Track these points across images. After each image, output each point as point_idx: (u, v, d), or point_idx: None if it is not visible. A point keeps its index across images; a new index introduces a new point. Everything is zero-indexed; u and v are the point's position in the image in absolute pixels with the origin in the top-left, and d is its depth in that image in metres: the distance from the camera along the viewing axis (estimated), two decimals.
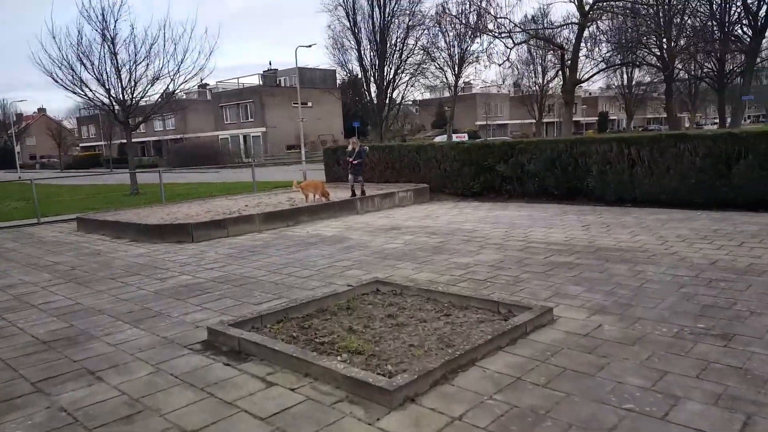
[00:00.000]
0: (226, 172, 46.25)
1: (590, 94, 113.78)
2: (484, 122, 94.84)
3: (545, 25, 29.22)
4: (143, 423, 4.70)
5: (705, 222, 12.70)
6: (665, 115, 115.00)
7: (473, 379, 5.14)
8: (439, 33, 52.54)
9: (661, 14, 37.82)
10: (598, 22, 30.51)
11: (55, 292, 9.32)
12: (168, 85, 29.09)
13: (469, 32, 46.00)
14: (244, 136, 74.47)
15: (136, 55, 27.87)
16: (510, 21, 29.35)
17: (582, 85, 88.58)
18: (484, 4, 30.37)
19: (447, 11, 39.26)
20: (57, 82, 27.12)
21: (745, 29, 37.44)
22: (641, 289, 7.64)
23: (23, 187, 38.82)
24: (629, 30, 35.12)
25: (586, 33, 29.56)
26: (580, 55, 29.72)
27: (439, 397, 4.82)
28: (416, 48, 52.07)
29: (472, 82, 66.23)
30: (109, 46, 27.64)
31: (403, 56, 51.81)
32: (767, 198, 13.65)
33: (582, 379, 5.04)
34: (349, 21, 51.41)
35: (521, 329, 6.05)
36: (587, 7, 27.86)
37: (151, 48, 27.96)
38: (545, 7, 31.36)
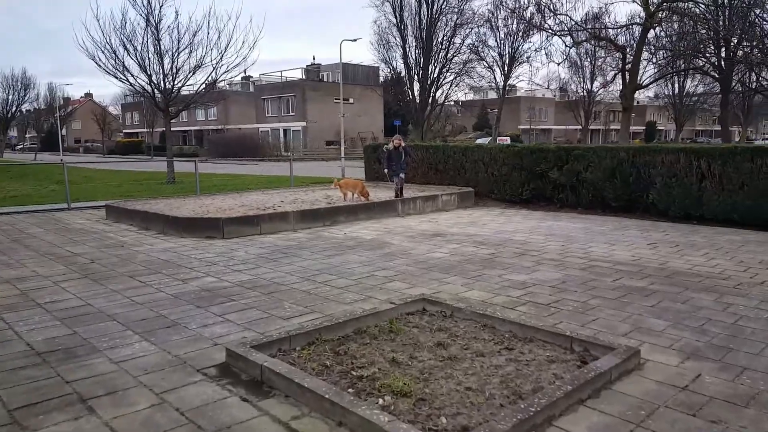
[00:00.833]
0: (265, 165, 45.58)
1: (638, 102, 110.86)
2: (528, 126, 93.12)
3: (606, 24, 27.81)
4: None
5: None
6: (715, 128, 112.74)
7: None
8: (489, 30, 51.29)
9: (721, 21, 36.13)
10: (664, 24, 29.01)
11: (66, 289, 8.42)
12: (210, 74, 28.37)
13: (525, 28, 44.81)
14: (285, 130, 74.01)
15: (179, 41, 27.26)
16: (570, 18, 28.06)
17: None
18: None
19: (504, 4, 37.85)
20: (99, 66, 26.67)
21: None
22: (737, 327, 6.46)
23: (69, 170, 38.76)
24: (687, 36, 33.56)
25: (650, 34, 28.17)
26: (642, 58, 28.29)
27: None
28: (462, 47, 50.96)
29: (520, 83, 64.26)
30: (152, 32, 27.11)
31: (449, 55, 50.72)
32: None
33: None
34: (396, 17, 50.45)
35: (605, 377, 4.93)
36: (653, 7, 26.42)
37: (195, 35, 27.33)
38: (606, 5, 29.63)
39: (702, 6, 30.03)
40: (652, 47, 30.12)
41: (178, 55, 27.45)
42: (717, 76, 40.41)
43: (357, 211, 15.63)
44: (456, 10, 49.49)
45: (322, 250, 11.32)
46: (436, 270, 9.39)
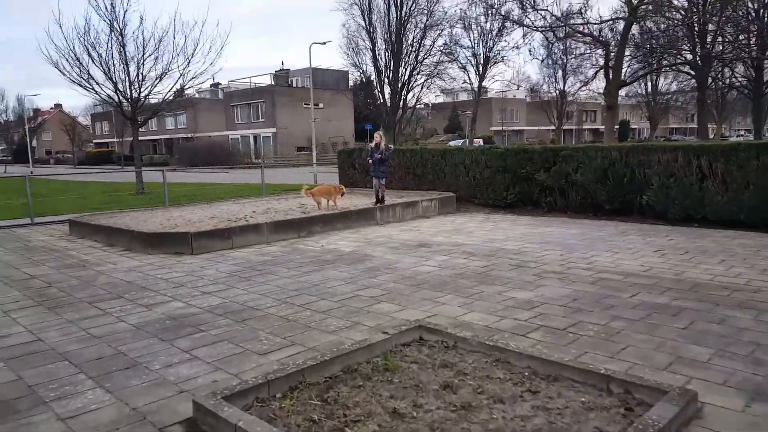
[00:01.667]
0: (236, 173, 44.35)
1: None
2: (500, 128, 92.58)
3: (589, 19, 26.93)
4: None
5: None
6: (689, 125, 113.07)
7: None
8: (462, 30, 50.53)
9: (695, 17, 35.56)
10: (646, 19, 28.22)
11: (17, 321, 7.31)
12: (177, 81, 27.25)
13: (501, 26, 44.10)
14: (255, 137, 72.71)
15: (144, 48, 26.14)
16: (551, 13, 27.12)
17: (590, 93, 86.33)
18: None
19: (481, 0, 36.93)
20: (63, 74, 25.59)
21: None
22: None
23: (33, 182, 37.38)
24: (665, 32, 32.91)
25: (633, 30, 27.34)
26: (624, 55, 27.42)
27: None
28: (433, 48, 50.06)
29: (494, 84, 63.53)
30: (117, 38, 26.06)
31: (420, 57, 49.79)
32: None
33: None
34: (365, 20, 49.37)
35: None
36: (636, 1, 25.59)
37: (160, 41, 26.24)
38: (586, 1, 28.79)
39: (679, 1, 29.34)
40: (634, 44, 29.33)
41: (143, 62, 26.44)
42: (693, 72, 39.93)
43: (333, 220, 14.55)
44: (425, 11, 48.64)
45: (299, 265, 10.24)
46: (426, 287, 8.35)
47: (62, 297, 8.48)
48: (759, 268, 9.04)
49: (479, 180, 17.78)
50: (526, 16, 28.73)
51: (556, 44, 29.17)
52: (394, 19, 48.04)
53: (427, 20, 48.25)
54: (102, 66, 25.85)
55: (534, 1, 27.83)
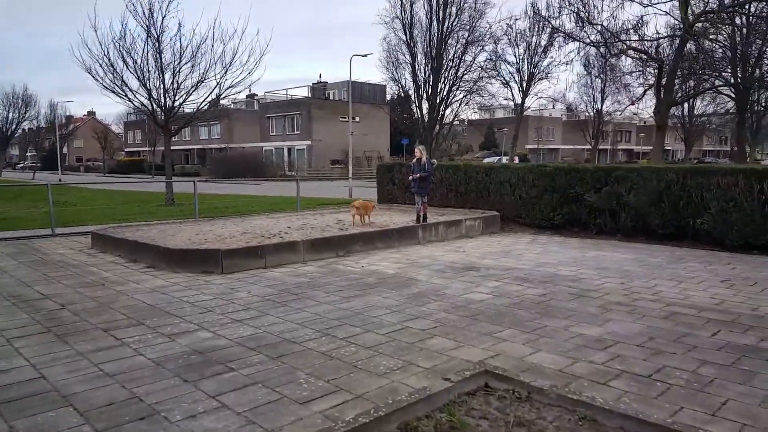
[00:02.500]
0: (269, 185, 43.86)
1: (645, 122, 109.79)
2: (536, 146, 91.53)
3: (644, 35, 26.00)
4: None
5: None
6: (723, 148, 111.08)
7: None
8: (508, 45, 49.99)
9: (737, 38, 34.56)
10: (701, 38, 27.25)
11: (20, 351, 6.52)
12: (213, 90, 26.75)
13: (551, 39, 43.44)
14: (289, 149, 72.45)
15: (181, 55, 25.65)
16: (606, 28, 26.19)
17: (636, 112, 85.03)
18: (582, 7, 27.18)
19: (537, 12, 36.20)
20: (96, 80, 25.06)
21: None
22: None
23: (60, 190, 37.17)
24: (707, 54, 31.97)
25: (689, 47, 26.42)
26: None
27: None
28: (474, 64, 49.38)
29: (538, 101, 62.20)
30: (153, 44, 25.52)
31: (459, 72, 49.15)
32: None
33: None
34: (406, 34, 48.91)
35: None
36: (692, 18, 24.65)
37: (198, 48, 25.70)
38: (642, 17, 27.81)
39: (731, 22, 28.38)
40: (688, 63, 28.34)
41: (179, 70, 25.91)
42: (734, 95, 38.85)
43: (373, 239, 13.87)
44: (468, 27, 48.03)
45: (339, 289, 9.55)
46: (482, 319, 7.61)
47: (75, 322, 7.74)
48: None
49: (525, 199, 17.00)
50: (583, 29, 27.90)
51: (608, 60, 28.10)
52: (436, 34, 47.50)
53: (468, 36, 47.63)
54: (136, 72, 25.32)
55: (590, 15, 27.02)
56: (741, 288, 9.42)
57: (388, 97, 72.52)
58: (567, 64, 49.09)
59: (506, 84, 53.09)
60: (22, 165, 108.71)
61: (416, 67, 49.38)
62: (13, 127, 75.67)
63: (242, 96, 74.05)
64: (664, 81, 25.91)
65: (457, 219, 16.04)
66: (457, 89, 50.13)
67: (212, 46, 26.93)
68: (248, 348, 6.57)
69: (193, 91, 26.47)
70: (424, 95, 49.94)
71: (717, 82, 32.40)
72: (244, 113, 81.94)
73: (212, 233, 14.30)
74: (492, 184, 17.91)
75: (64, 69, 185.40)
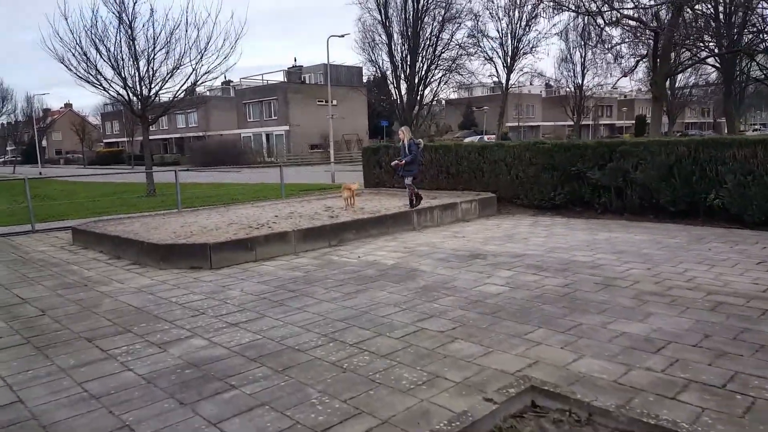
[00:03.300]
0: (249, 172, 42.76)
1: (625, 96, 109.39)
2: (516, 123, 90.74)
3: (639, 2, 25.01)
4: None
5: None
6: (707, 120, 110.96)
7: None
8: (490, 20, 49.40)
9: (720, 8, 33.82)
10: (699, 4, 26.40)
11: None
12: (189, 77, 25.71)
13: (536, 12, 42.74)
14: (267, 135, 71.18)
15: (155, 41, 24.63)
16: None
17: (618, 86, 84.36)
18: None
19: None
20: (70, 70, 24.05)
21: None
22: None
23: (40, 183, 36.09)
24: (691, 24, 31.20)
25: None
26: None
27: None
28: (452, 42, 48.42)
29: (523, 77, 61.22)
30: (126, 31, 24.50)
31: (437, 51, 48.14)
32: None
33: None
34: (381, 13, 47.94)
35: None
36: None
37: (172, 34, 24.70)
38: None
39: None
40: (684, 30, 27.46)
41: (154, 56, 24.94)
42: (719, 65, 38.17)
43: (367, 226, 12.93)
44: (443, 3, 47.05)
45: (339, 284, 8.62)
46: (505, 317, 6.70)
47: (56, 331, 6.86)
48: None
49: (522, 179, 16.08)
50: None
51: (603, 29, 27.16)
52: (411, 12, 46.51)
53: (445, 13, 46.63)
54: (110, 61, 24.47)
55: None
56: None
57: (365, 79, 71.32)
58: (557, 35, 48.40)
59: (489, 60, 52.19)
60: (3, 159, 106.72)
61: (393, 47, 48.52)
62: None
63: (218, 83, 72.66)
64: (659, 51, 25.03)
65: (453, 202, 15.12)
66: (436, 68, 49.31)
67: (186, 31, 26.00)
68: (249, 359, 5.66)
69: (168, 79, 25.71)
70: (402, 75, 49.00)
71: (714, 51, 31.58)
72: (221, 100, 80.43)
73: (197, 225, 13.37)
74: (486, 164, 16.97)
75: (38, 62, 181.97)
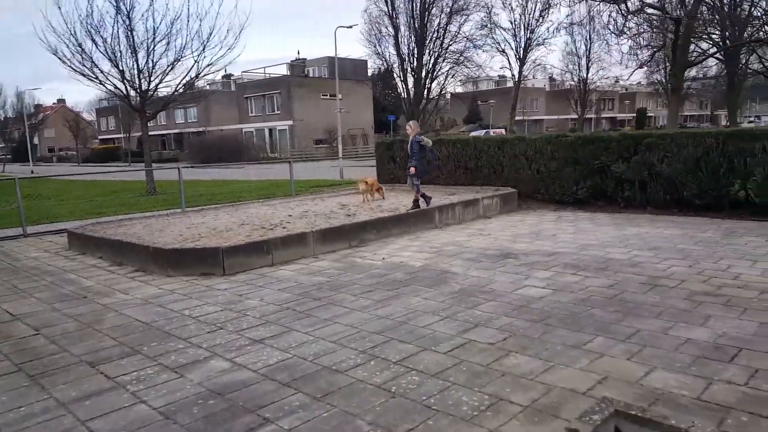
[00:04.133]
0: (253, 169, 42.14)
1: (626, 89, 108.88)
2: (521, 117, 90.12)
3: None
4: None
5: None
6: (705, 112, 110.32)
7: None
8: (503, 10, 49.07)
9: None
10: None
11: None
12: (191, 69, 25.03)
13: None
14: (270, 130, 70.53)
15: (155, 31, 23.92)
16: None
17: (619, 80, 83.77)
18: None
19: None
20: (64, 62, 23.24)
21: None
22: None
23: (32, 183, 35.34)
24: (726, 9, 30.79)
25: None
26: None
27: None
28: (459, 34, 47.90)
29: (538, 66, 60.60)
30: (124, 21, 23.74)
31: (445, 44, 47.63)
32: None
33: None
34: (387, 5, 47.36)
35: None
36: None
37: (173, 24, 24.03)
38: None
39: None
40: (703, 20, 26.94)
41: (154, 48, 24.17)
42: (722, 58, 37.72)
43: (387, 225, 12.48)
44: None
45: (367, 290, 8.16)
46: (556, 324, 6.26)
47: (53, 354, 6.14)
48: None
49: (544, 173, 15.66)
50: None
51: (628, 18, 26.51)
52: (418, 4, 45.90)
53: (453, 4, 46.08)
54: (107, 53, 23.57)
55: None
56: None
57: (370, 72, 70.77)
58: (579, 24, 47.97)
59: (502, 51, 51.74)
60: None
61: (400, 39, 47.92)
62: None
63: (218, 77, 72.12)
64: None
65: (474, 198, 14.67)
66: (443, 61, 48.76)
67: (188, 21, 25.41)
68: (281, 384, 5.13)
69: (169, 71, 24.82)
70: (409, 69, 48.45)
71: (719, 44, 31.08)
72: (221, 94, 79.71)
73: (205, 226, 12.87)
74: (506, 158, 16.53)
75: (30, 57, 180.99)
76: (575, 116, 77.11)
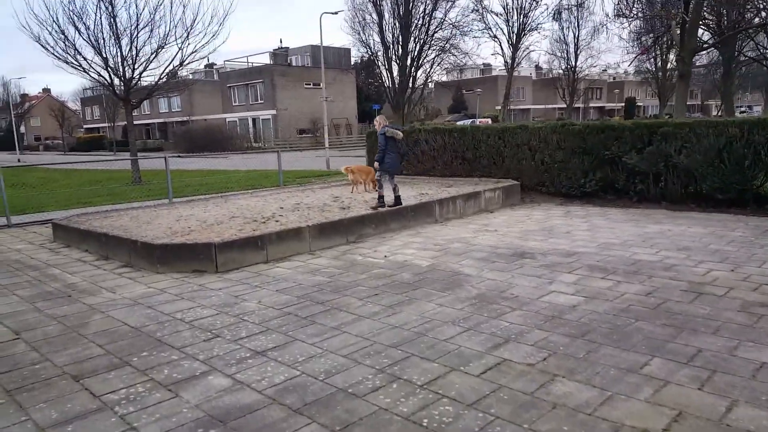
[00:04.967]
0: (237, 158, 41.13)
1: (614, 78, 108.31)
2: (507, 106, 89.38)
3: None
4: None
5: None
6: (695, 102, 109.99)
7: None
8: None
9: None
10: None
11: None
12: (175, 56, 24.10)
13: None
14: (254, 119, 69.23)
15: (138, 18, 22.99)
16: None
17: (607, 68, 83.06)
18: None
19: None
20: (47, 49, 22.32)
21: None
22: None
23: (18, 172, 34.31)
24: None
25: None
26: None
27: None
28: (445, 21, 46.97)
29: (532, 52, 60.19)
30: (106, 7, 22.81)
31: (430, 30, 46.64)
32: None
33: None
34: None
35: None
36: None
37: (156, 10, 23.12)
38: None
39: None
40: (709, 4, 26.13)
41: (137, 34, 23.25)
42: (718, 45, 37.00)
43: (386, 219, 11.59)
44: None
45: (373, 292, 7.28)
46: (600, 340, 5.40)
47: (34, 364, 5.38)
48: None
49: (549, 164, 14.79)
50: None
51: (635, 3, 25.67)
52: None
53: None
54: (90, 40, 22.69)
55: None
56: None
57: (353, 61, 69.65)
58: (578, 6, 47.36)
59: (494, 37, 50.92)
60: None
61: (384, 26, 46.93)
62: None
63: (201, 66, 70.87)
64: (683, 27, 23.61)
65: (475, 191, 13.79)
66: (429, 48, 47.83)
67: (171, 7, 24.43)
68: (291, 409, 4.29)
69: (153, 59, 23.91)
70: (394, 57, 47.48)
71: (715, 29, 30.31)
72: (204, 84, 78.34)
73: (194, 218, 11.97)
74: (507, 148, 15.65)
75: (13, 47, 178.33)
76: (563, 105, 76.39)
